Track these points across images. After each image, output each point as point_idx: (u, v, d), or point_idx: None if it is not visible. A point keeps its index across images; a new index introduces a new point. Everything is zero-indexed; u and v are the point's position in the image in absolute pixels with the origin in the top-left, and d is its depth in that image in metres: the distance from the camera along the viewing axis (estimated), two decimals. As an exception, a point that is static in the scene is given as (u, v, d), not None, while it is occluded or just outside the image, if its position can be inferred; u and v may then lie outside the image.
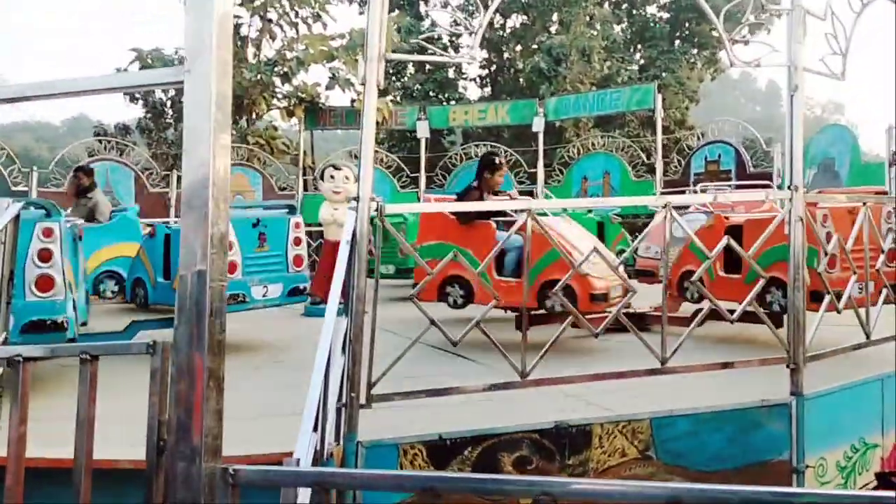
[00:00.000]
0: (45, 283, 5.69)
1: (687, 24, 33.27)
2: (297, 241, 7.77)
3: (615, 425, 4.72)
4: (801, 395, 5.07)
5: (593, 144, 20.65)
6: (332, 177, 9.87)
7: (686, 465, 4.88)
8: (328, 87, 22.19)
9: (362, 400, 4.29)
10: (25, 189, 16.86)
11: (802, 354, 5.09)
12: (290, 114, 22.18)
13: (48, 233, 5.73)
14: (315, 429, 3.53)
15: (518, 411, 4.87)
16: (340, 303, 4.14)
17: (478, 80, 34.92)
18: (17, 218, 4.37)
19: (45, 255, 5.69)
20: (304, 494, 3.19)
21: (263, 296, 7.40)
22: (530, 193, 18.84)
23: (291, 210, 8.13)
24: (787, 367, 5.09)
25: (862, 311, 5.68)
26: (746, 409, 5.01)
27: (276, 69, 21.89)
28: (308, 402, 3.44)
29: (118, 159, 18.94)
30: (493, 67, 34.30)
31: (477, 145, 21.46)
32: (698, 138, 20.09)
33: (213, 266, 1.48)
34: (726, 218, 7.71)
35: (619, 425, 4.74)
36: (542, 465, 4.59)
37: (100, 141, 21.21)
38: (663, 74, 30.50)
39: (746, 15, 5.27)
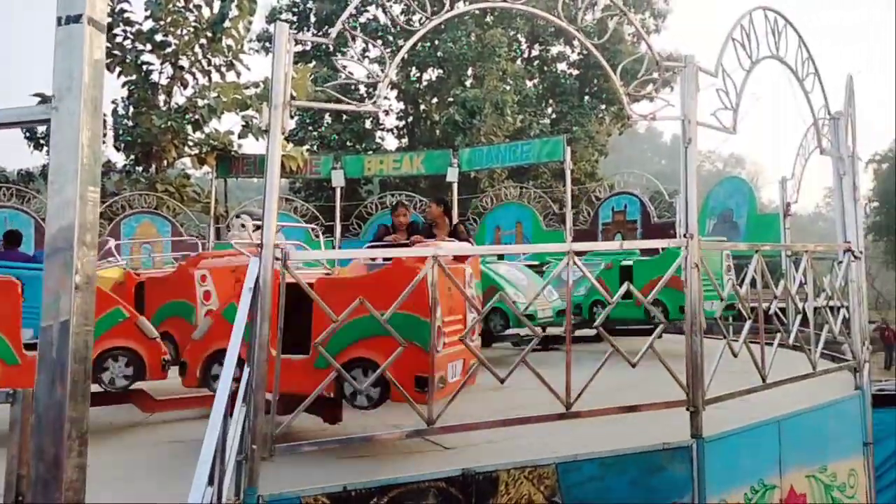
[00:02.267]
0: None
1: (595, 81, 34.52)
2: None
3: (521, 471, 4.71)
4: (701, 438, 5.18)
5: (506, 195, 21.05)
6: (242, 226, 9.70)
7: (593, 509, 4.90)
8: (241, 136, 22.00)
9: (264, 452, 4.17)
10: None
11: (702, 398, 5.22)
12: (202, 161, 21.84)
13: None
14: (210, 483, 3.41)
15: (425, 460, 4.82)
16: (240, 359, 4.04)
17: (395, 130, 35.24)
18: None
19: None
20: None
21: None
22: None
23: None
24: (687, 409, 5.21)
25: (758, 354, 5.88)
26: (649, 452, 5.09)
27: (187, 116, 21.57)
28: (203, 454, 3.32)
29: (19, 207, 18.21)
30: (410, 119, 34.69)
31: (393, 195, 21.57)
32: (607, 189, 20.73)
33: (79, 312, 1.42)
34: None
35: (525, 471, 4.74)
36: (448, 515, 4.54)
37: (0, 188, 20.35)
38: (574, 128, 31.46)
39: (642, 71, 5.51)
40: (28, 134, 22.25)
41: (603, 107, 34.71)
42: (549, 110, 35.19)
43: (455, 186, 19.81)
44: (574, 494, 4.87)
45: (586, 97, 34.75)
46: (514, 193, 21.12)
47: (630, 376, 6.53)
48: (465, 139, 27.55)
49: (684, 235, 5.39)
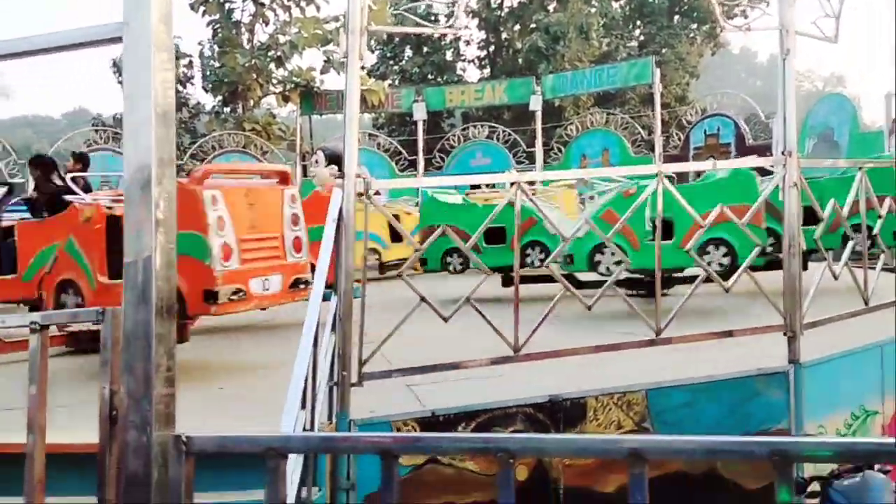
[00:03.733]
0: None
1: (686, -1, 33.00)
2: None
3: (610, 398, 4.67)
4: (798, 364, 5.01)
5: (592, 122, 20.52)
6: (316, 161, 9.75)
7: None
8: (323, 71, 22.10)
9: (354, 378, 4.25)
10: (22, 180, 16.82)
11: (800, 322, 5.03)
12: (286, 99, 22.09)
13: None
14: (303, 406, 3.49)
15: (512, 386, 4.82)
16: (328, 285, 4.10)
17: (476, 61, 34.68)
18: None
19: None
20: (296, 463, 3.15)
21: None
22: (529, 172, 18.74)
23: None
24: (785, 335, 5.03)
25: (860, 276, 5.60)
26: (743, 378, 4.96)
27: (269, 54, 21.77)
28: (294, 380, 3.40)
29: (115, 149, 18.87)
30: (492, 48, 34.04)
31: (475, 126, 21.32)
32: (698, 112, 19.95)
33: (161, 246, 1.42)
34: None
35: (614, 397, 4.69)
36: (537, 440, 4.56)
37: (97, 131, 21.12)
38: (663, 50, 30.25)
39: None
40: (120, 78, 22.91)
41: (694, 26, 33.20)
42: (637, 32, 33.90)
43: (538, 115, 19.44)
44: (664, 420, 4.81)
45: (676, 17, 33.27)
46: (601, 120, 20.56)
47: (721, 303, 6.35)
48: (549, 66, 26.91)
49: (782, 153, 5.12)
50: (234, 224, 5.57)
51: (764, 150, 16.19)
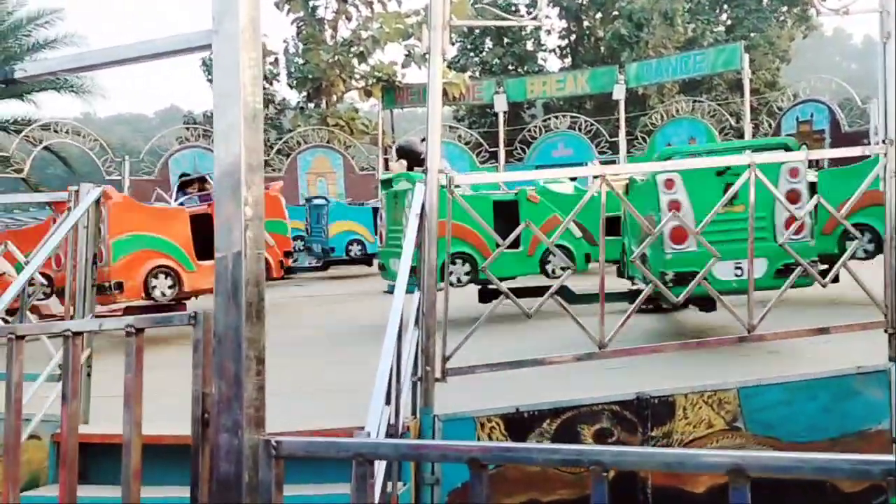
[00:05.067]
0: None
1: (776, -20, 31.81)
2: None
3: (700, 395, 4.53)
4: (901, 362, 4.76)
5: (678, 110, 20.01)
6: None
7: (778, 435, 4.66)
8: (404, 65, 22.26)
9: (437, 373, 4.25)
10: (118, 178, 17.55)
11: (903, 319, 4.77)
12: (368, 94, 22.37)
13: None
14: (388, 402, 3.51)
15: (597, 383, 4.74)
16: (412, 277, 4.10)
17: (557, 50, 34.30)
18: (97, 202, 4.50)
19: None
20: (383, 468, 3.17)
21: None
22: (612, 163, 18.45)
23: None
24: (886, 331, 4.78)
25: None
26: (842, 377, 4.73)
27: (352, 49, 22.07)
28: (379, 376, 3.41)
29: (206, 146, 19.46)
30: (573, 37, 33.61)
31: (557, 117, 21.09)
32: (790, 98, 19.21)
33: (250, 243, 1.44)
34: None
35: (704, 395, 4.55)
36: (623, 437, 4.47)
37: (188, 129, 21.84)
38: (751, 34, 29.23)
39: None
40: (210, 77, 23.63)
41: (784, 9, 31.96)
42: (724, 17, 32.87)
43: (622, 104, 19.08)
44: (757, 420, 4.64)
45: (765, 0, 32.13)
46: (686, 108, 20.05)
47: (815, 298, 6.09)
48: (632, 54, 26.38)
49: (882, 141, 4.86)
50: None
51: (860, 138, 15.46)
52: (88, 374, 4.21)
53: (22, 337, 1.86)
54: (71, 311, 4.26)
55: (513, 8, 23.99)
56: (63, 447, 1.81)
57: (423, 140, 9.22)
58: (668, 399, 4.52)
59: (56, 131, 19.25)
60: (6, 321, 4.13)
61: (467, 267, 7.29)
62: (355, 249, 12.98)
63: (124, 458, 1.64)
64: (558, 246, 6.43)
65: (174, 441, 3.47)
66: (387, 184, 8.03)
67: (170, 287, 7.43)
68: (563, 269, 6.71)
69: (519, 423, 4.34)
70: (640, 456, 1.13)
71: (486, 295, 7.43)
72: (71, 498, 1.86)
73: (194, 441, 1.53)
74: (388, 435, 3.51)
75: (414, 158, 9.17)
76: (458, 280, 7.01)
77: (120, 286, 7.10)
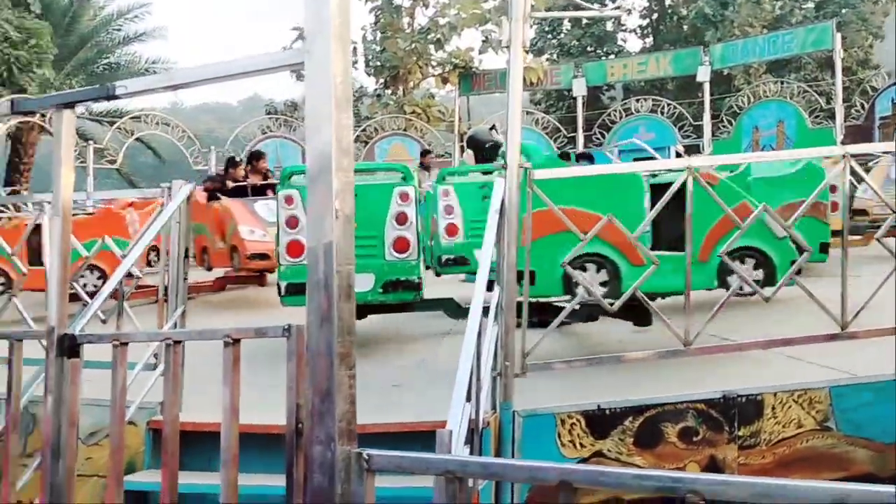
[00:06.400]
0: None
1: (870, -48, 30.29)
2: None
3: (789, 394, 4.40)
4: None
5: (765, 91, 19.32)
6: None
7: (870, 436, 4.48)
8: (481, 51, 22.20)
9: (517, 369, 4.25)
10: (205, 168, 18.08)
11: None
12: (445, 80, 22.39)
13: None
14: (468, 398, 3.53)
15: (681, 380, 4.66)
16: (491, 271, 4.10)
17: (638, 30, 33.56)
18: (189, 198, 4.65)
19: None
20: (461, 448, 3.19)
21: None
22: (696, 147, 17.99)
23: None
24: None
25: None
26: (943, 378, 4.52)
27: (429, 36, 22.11)
28: (459, 372, 3.43)
29: (287, 135, 19.84)
30: (655, 16, 32.82)
31: (638, 100, 20.65)
32: (885, 78, 18.31)
33: (340, 247, 1.46)
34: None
35: (794, 394, 4.42)
36: (709, 436, 4.38)
37: (270, 118, 22.31)
38: (842, 11, 27.95)
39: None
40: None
41: (878, -18, 30.44)
42: (813, -8, 31.54)
43: (706, 86, 18.55)
44: (850, 420, 4.48)
45: (858, -27, 30.65)
46: (774, 89, 19.32)
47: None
48: (717, 33, 25.60)
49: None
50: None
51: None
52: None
53: (125, 343, 1.95)
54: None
55: (592, -10, 23.56)
56: (164, 440, 1.90)
57: (492, 128, 9.16)
58: (756, 398, 4.41)
59: (146, 122, 19.95)
60: (103, 321, 4.31)
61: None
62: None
63: (223, 445, 1.70)
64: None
65: (264, 430, 3.60)
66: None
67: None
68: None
69: (600, 421, 4.30)
70: (739, 487, 1.10)
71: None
72: (172, 482, 1.95)
73: (289, 451, 1.58)
74: (469, 431, 3.53)
75: (480, 149, 8.94)
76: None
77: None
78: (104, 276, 7.96)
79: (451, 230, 6.85)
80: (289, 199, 5.79)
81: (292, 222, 5.75)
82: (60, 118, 2.03)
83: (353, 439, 1.46)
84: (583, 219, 4.67)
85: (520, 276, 4.28)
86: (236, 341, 1.73)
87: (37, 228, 6.01)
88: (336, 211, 1.47)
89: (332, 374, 1.44)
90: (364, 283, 5.60)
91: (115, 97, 1.84)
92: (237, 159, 10.67)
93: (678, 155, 11.45)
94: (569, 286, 5.20)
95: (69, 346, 2.01)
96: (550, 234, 4.79)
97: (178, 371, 1.92)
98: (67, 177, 2.04)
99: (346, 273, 1.46)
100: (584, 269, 5.22)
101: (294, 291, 5.70)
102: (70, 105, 2.04)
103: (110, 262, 7.34)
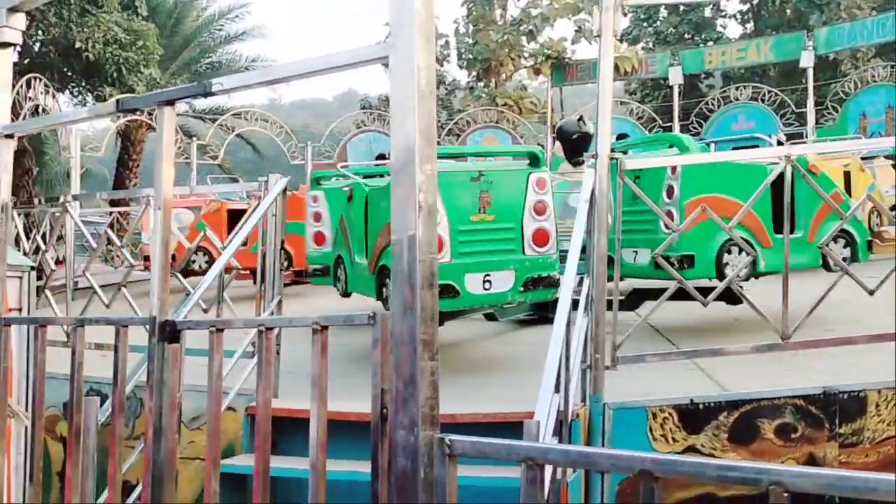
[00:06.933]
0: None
1: None
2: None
3: (895, 391, 4.20)
4: None
5: (874, 76, 18.34)
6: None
7: (983, 437, 4.24)
8: (574, 42, 21.91)
9: (607, 361, 4.21)
10: (302, 162, 18.54)
11: None
12: (537, 72, 22.23)
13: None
14: (557, 390, 3.52)
15: (778, 375, 4.51)
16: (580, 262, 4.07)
17: (738, 16, 32.36)
18: (284, 191, 4.80)
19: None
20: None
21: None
22: (799, 136, 17.27)
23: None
24: None
25: None
26: None
27: (521, 28, 21.99)
28: (548, 363, 3.43)
29: (381, 129, 20.11)
30: (756, 1, 31.61)
31: (737, 88, 19.95)
32: None
33: (423, 238, 1.50)
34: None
35: (901, 392, 4.22)
36: (808, 433, 4.23)
37: (364, 112, 22.65)
38: (962, -12, 26.24)
39: None
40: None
41: None
42: (929, -31, 29.70)
43: (810, 72, 17.77)
44: (961, 420, 4.24)
45: (981, -54, 28.69)
46: (884, 74, 18.32)
47: None
48: (822, 17, 24.45)
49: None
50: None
51: None
52: (277, 352, 4.54)
53: (221, 330, 2.05)
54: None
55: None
56: (257, 425, 1.98)
57: (580, 119, 9.01)
58: (858, 394, 4.23)
59: (246, 119, 20.62)
60: (205, 310, 4.49)
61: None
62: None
63: (311, 430, 1.77)
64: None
65: (355, 418, 3.70)
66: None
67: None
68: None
69: (693, 415, 4.22)
70: (827, 478, 1.07)
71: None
72: (265, 466, 2.03)
73: (374, 435, 1.62)
74: (558, 422, 3.53)
75: (567, 140, 8.71)
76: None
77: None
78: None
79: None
80: (315, 199, 6.89)
81: (317, 217, 6.85)
82: (162, 115, 2.14)
83: (436, 425, 1.49)
84: (727, 206, 5.09)
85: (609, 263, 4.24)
86: (324, 328, 1.79)
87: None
88: (419, 203, 1.51)
89: (415, 360, 1.48)
90: (503, 282, 5.15)
91: (212, 94, 1.93)
92: None
93: (779, 143, 11.00)
94: (720, 268, 5.57)
95: (170, 332, 2.12)
96: (705, 220, 4.77)
97: (270, 357, 2.00)
98: (168, 171, 2.16)
99: (429, 263, 1.49)
100: (728, 252, 5.61)
101: (320, 273, 6.77)
102: (170, 102, 2.15)
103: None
